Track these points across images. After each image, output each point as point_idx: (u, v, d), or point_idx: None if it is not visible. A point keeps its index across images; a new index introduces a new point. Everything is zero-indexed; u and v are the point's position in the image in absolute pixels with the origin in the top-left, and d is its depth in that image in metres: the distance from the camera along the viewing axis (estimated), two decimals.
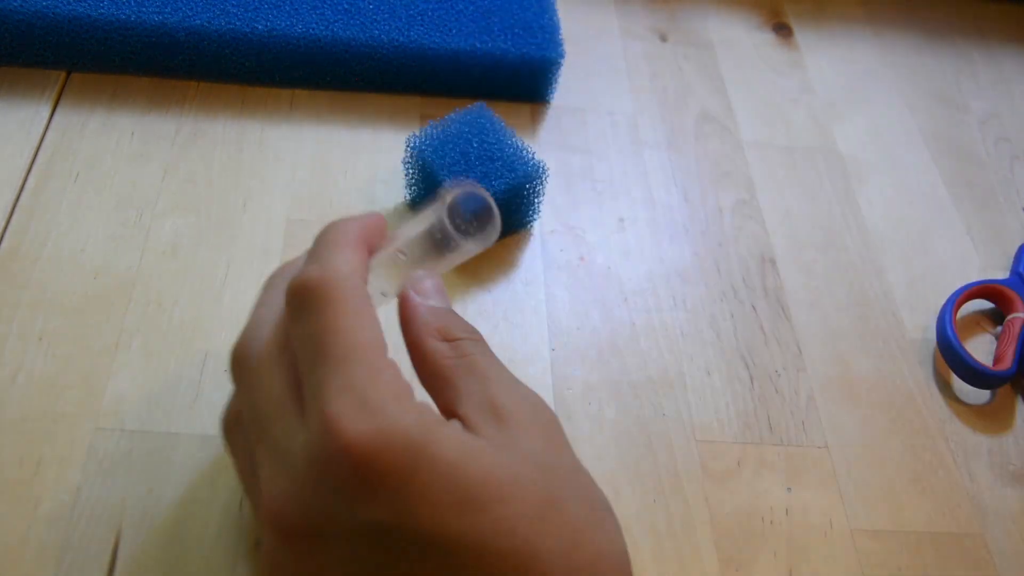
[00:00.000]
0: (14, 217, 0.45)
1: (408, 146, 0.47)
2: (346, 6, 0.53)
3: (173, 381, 0.41)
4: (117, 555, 0.35)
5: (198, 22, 0.51)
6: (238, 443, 0.33)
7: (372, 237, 0.33)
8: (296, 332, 0.29)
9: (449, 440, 0.27)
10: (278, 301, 0.31)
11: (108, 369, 0.41)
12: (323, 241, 0.31)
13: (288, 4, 0.53)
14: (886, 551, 0.41)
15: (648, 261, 0.50)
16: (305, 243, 0.47)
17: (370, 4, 0.54)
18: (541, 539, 0.27)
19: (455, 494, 0.26)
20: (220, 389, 0.41)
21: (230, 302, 0.44)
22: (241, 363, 0.31)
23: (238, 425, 0.33)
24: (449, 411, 0.30)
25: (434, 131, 0.48)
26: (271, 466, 0.28)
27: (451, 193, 0.32)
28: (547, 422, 0.30)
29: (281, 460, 0.28)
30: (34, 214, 0.45)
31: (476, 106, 0.49)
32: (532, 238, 0.50)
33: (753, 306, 0.49)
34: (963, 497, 0.43)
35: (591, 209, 0.52)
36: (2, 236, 0.44)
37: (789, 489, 0.42)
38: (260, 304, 0.33)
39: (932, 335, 0.49)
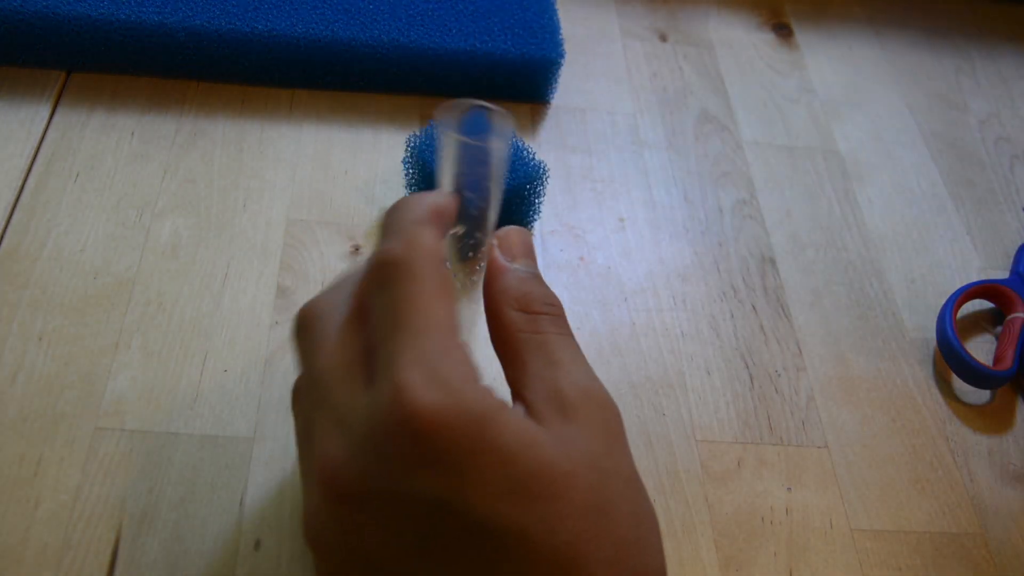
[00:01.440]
0: (14, 217, 0.45)
1: (408, 146, 0.47)
2: (346, 6, 0.53)
3: (173, 381, 0.41)
4: (117, 555, 0.35)
5: (198, 22, 0.51)
6: (300, 409, 0.33)
7: (445, 215, 0.32)
8: (377, 302, 0.29)
9: (510, 425, 0.27)
10: (348, 283, 0.32)
11: (108, 369, 0.41)
12: (402, 216, 0.31)
13: (288, 4, 0.53)
14: (886, 551, 0.41)
15: (648, 261, 0.50)
16: (305, 243, 0.47)
17: (370, 4, 0.54)
18: (585, 544, 0.27)
19: (508, 481, 0.26)
20: (220, 389, 0.41)
21: (230, 302, 0.44)
22: (310, 325, 0.31)
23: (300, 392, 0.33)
24: (515, 388, 0.30)
25: (434, 131, 0.48)
26: (330, 428, 0.28)
27: (447, 118, 0.32)
28: (610, 423, 0.30)
29: (341, 422, 0.28)
30: (34, 214, 0.45)
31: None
32: (532, 238, 0.50)
33: (753, 306, 0.49)
34: (963, 497, 0.43)
35: (591, 209, 0.52)
36: (2, 236, 0.44)
37: (789, 489, 0.42)
38: (333, 283, 0.33)
39: (932, 335, 0.49)
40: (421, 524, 0.27)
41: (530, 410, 0.29)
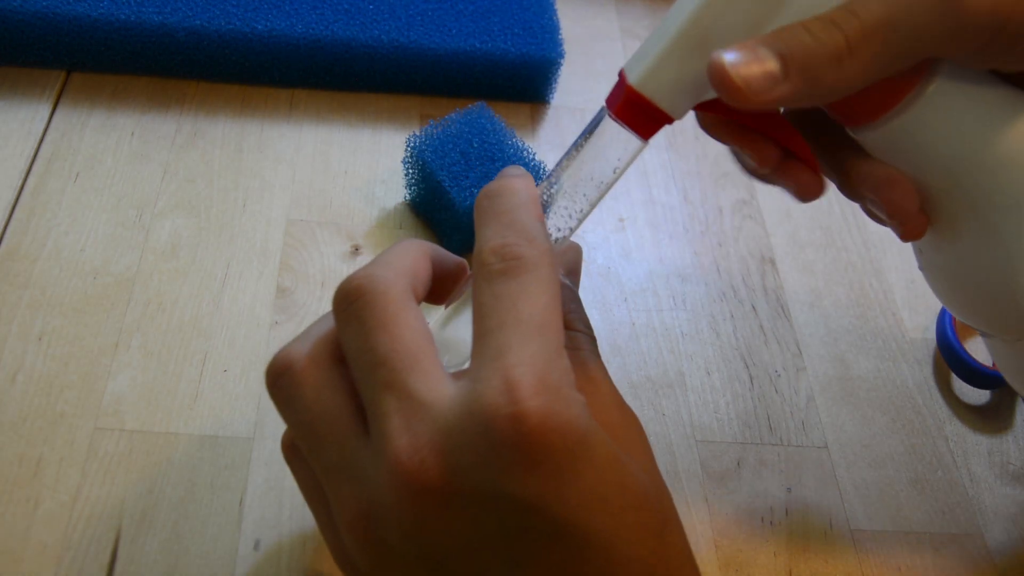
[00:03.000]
0: (14, 217, 0.45)
1: (408, 146, 0.47)
2: (346, 6, 0.53)
3: (173, 381, 0.41)
4: (117, 555, 0.35)
5: (198, 22, 0.51)
6: (337, 383, 0.30)
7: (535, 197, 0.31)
8: (491, 292, 0.28)
9: (604, 438, 0.27)
10: (399, 259, 0.31)
11: (108, 369, 0.41)
12: (516, 208, 0.30)
13: (288, 4, 0.53)
14: (886, 551, 0.41)
15: (648, 261, 0.50)
16: (305, 243, 0.47)
17: (370, 4, 0.54)
18: (658, 558, 0.28)
19: (601, 489, 0.27)
20: (220, 389, 0.41)
21: (230, 302, 0.44)
22: (365, 298, 0.29)
23: (334, 366, 0.31)
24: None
25: (434, 131, 0.48)
26: (408, 418, 0.27)
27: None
28: (645, 442, 0.31)
29: (421, 411, 0.27)
30: (34, 214, 0.45)
31: (476, 106, 0.49)
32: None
33: (753, 306, 0.49)
34: (963, 497, 0.43)
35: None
36: (2, 236, 0.44)
37: (789, 489, 0.42)
38: (388, 262, 0.32)
39: (932, 335, 0.49)
40: (508, 524, 0.27)
41: None
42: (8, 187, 0.46)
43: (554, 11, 0.56)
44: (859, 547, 0.41)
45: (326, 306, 0.45)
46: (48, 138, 0.49)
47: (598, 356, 0.32)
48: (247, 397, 0.41)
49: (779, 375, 0.46)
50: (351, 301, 0.29)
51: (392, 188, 0.50)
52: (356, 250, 0.47)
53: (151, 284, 0.44)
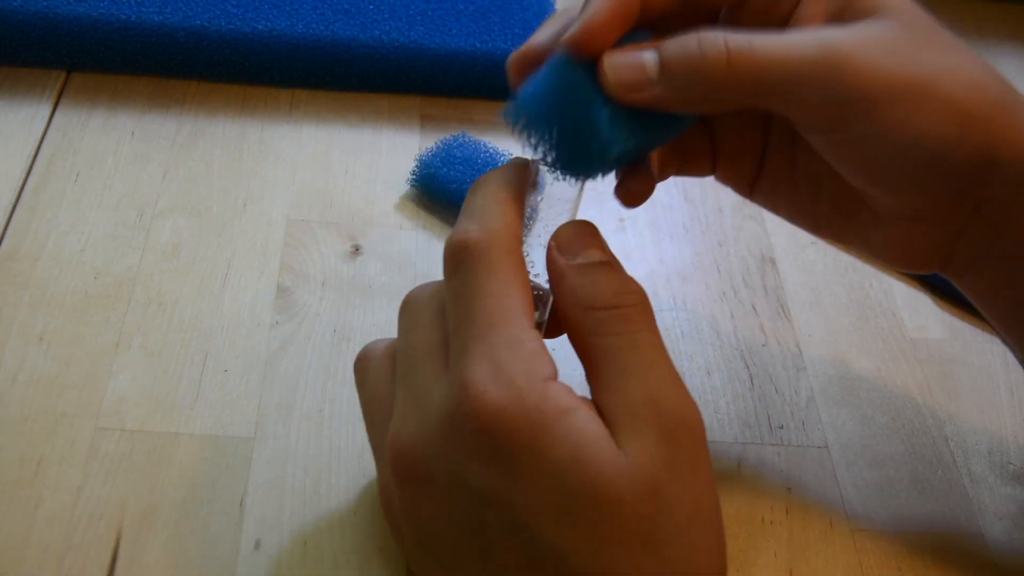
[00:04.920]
0: (14, 217, 0.45)
1: (416, 164, 0.49)
2: (346, 6, 0.53)
3: (173, 381, 0.41)
4: (118, 555, 0.35)
5: (198, 22, 0.51)
6: (379, 377, 0.33)
7: (523, 186, 0.31)
8: (449, 289, 0.29)
9: (569, 435, 0.26)
10: None
11: (108, 369, 0.41)
12: (482, 194, 0.30)
13: (288, 4, 0.53)
14: (886, 551, 0.41)
15: (648, 261, 0.50)
16: (305, 243, 0.47)
17: (370, 4, 0.54)
18: (637, 572, 0.26)
19: (552, 495, 0.26)
20: (220, 389, 0.41)
21: (230, 302, 0.44)
22: (409, 305, 0.32)
23: (374, 361, 0.34)
24: (592, 394, 0.29)
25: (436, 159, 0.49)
26: (406, 407, 0.29)
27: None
28: (682, 442, 0.27)
29: (416, 405, 0.29)
30: (34, 214, 0.45)
31: (460, 135, 0.50)
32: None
33: (753, 306, 0.49)
34: (963, 497, 0.43)
35: (591, 209, 0.52)
36: (2, 236, 0.44)
37: (789, 489, 0.42)
38: None
39: (932, 335, 0.49)
40: (475, 515, 0.27)
41: (601, 416, 0.27)
42: (8, 187, 0.46)
43: (554, 11, 0.56)
44: (859, 547, 0.41)
45: (326, 306, 0.45)
46: (48, 138, 0.49)
47: (641, 331, 0.28)
48: (248, 397, 0.41)
49: (779, 375, 0.46)
50: (401, 309, 0.32)
51: (392, 188, 0.50)
52: (356, 250, 0.47)
53: (152, 284, 0.44)
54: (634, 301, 0.29)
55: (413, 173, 0.49)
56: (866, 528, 0.41)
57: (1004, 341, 0.37)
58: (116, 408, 0.39)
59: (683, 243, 0.51)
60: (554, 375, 0.27)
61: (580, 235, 0.30)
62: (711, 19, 0.34)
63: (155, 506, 0.37)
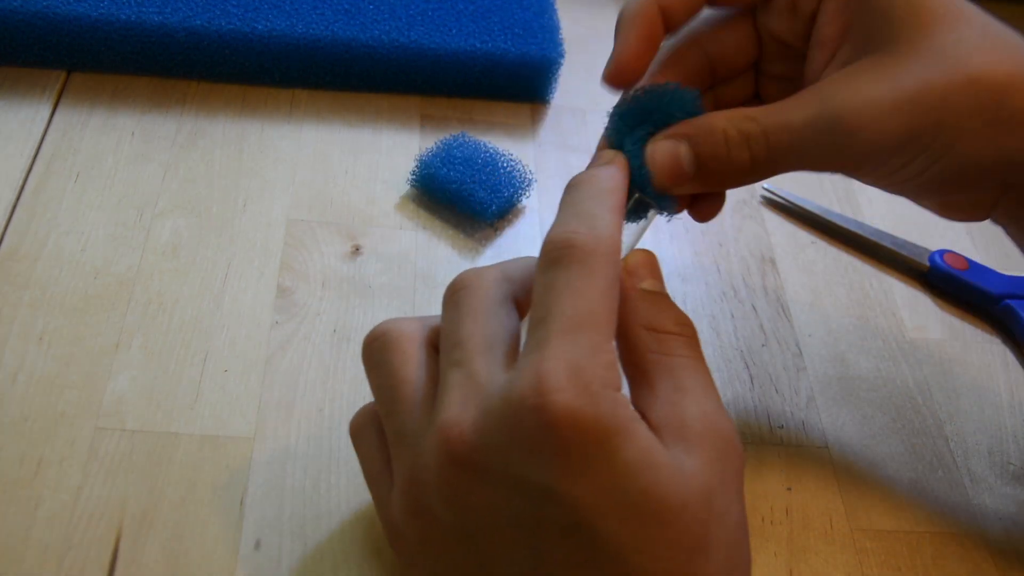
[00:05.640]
0: (14, 217, 0.45)
1: (416, 163, 0.49)
2: (346, 6, 0.53)
3: (173, 381, 0.41)
4: (117, 555, 0.35)
5: (198, 22, 0.51)
6: (424, 361, 0.32)
7: (625, 198, 0.33)
8: (541, 280, 0.29)
9: (637, 442, 0.26)
10: (512, 265, 0.33)
11: (108, 369, 0.41)
12: (589, 197, 0.31)
13: (288, 4, 0.53)
14: (886, 551, 0.41)
15: None
16: (305, 243, 0.47)
17: (370, 4, 0.54)
18: None
19: (620, 494, 0.26)
20: (220, 389, 0.41)
21: (230, 302, 0.44)
22: (465, 290, 0.31)
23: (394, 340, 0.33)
24: (641, 410, 0.29)
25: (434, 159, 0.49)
26: (462, 393, 0.28)
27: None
28: (731, 460, 0.29)
29: (476, 393, 0.28)
30: (34, 214, 0.45)
31: (460, 135, 0.51)
32: (533, 238, 0.50)
33: (753, 306, 0.49)
34: (963, 497, 0.43)
35: None
36: (2, 236, 0.44)
37: (789, 489, 0.42)
38: (497, 264, 0.33)
39: (932, 335, 0.49)
40: (529, 509, 0.27)
41: (652, 430, 0.28)
42: (9, 187, 0.46)
43: (554, 11, 0.56)
44: (859, 547, 0.41)
45: (327, 306, 0.45)
46: (48, 138, 0.49)
47: (696, 358, 0.31)
48: (248, 397, 0.41)
49: (779, 375, 0.46)
50: (455, 290, 0.32)
51: (392, 188, 0.50)
52: (356, 250, 0.47)
53: (152, 284, 0.44)
54: (692, 333, 0.31)
55: (413, 173, 0.50)
56: (866, 528, 0.41)
57: (1008, 335, 0.39)
58: (116, 408, 0.39)
59: (683, 243, 0.51)
60: (620, 388, 0.28)
61: (647, 264, 0.32)
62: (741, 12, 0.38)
63: (155, 506, 0.37)
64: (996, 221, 0.37)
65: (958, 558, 0.41)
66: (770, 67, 0.38)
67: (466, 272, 0.32)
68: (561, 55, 0.54)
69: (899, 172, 0.33)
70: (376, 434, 0.34)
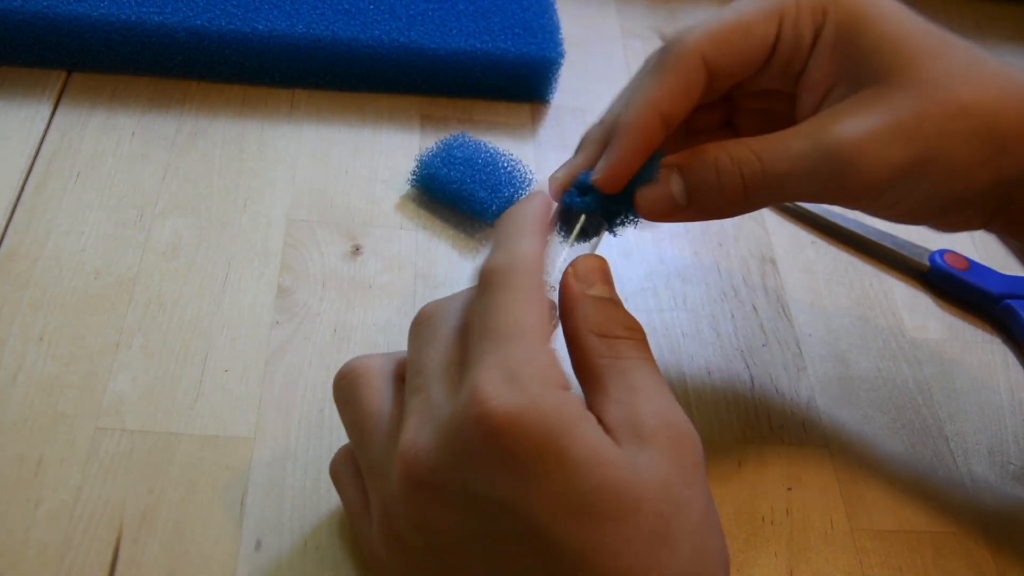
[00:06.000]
0: (14, 217, 0.45)
1: (417, 163, 0.49)
2: (346, 6, 0.53)
3: (173, 381, 0.41)
4: (118, 555, 0.35)
5: (198, 22, 0.51)
6: (392, 395, 0.33)
7: (546, 221, 0.33)
8: (473, 308, 0.30)
9: (585, 439, 0.27)
10: (467, 292, 0.33)
11: (108, 369, 0.41)
12: (509, 227, 0.32)
13: (288, 4, 0.53)
14: (886, 551, 0.41)
15: (648, 261, 0.50)
16: (305, 243, 0.47)
17: (370, 4, 0.54)
18: (646, 573, 0.27)
19: (574, 496, 0.26)
20: (220, 389, 0.41)
21: (230, 302, 0.44)
22: (425, 320, 0.32)
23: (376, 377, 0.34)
24: (595, 412, 0.30)
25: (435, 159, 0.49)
26: (420, 418, 0.29)
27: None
28: (688, 453, 0.29)
29: (430, 415, 0.29)
30: (34, 214, 0.45)
31: (460, 135, 0.50)
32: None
33: (753, 306, 0.49)
34: (963, 497, 0.43)
35: None
36: (2, 236, 0.44)
37: (789, 489, 0.42)
38: (460, 292, 0.34)
39: (932, 335, 0.49)
40: (486, 523, 0.27)
41: (607, 431, 0.29)
42: (9, 187, 0.46)
43: (554, 11, 0.56)
44: (859, 547, 0.41)
45: (326, 306, 0.45)
46: (49, 138, 0.49)
47: (646, 361, 0.31)
48: (248, 397, 0.41)
49: (779, 375, 0.46)
50: (419, 322, 0.33)
51: (392, 188, 0.50)
52: (356, 250, 0.47)
53: (152, 284, 0.44)
54: (641, 337, 0.32)
55: (413, 173, 0.50)
56: (866, 528, 0.41)
57: (1008, 335, 0.39)
58: (116, 408, 0.39)
59: (683, 243, 0.51)
60: (567, 387, 0.28)
61: (596, 270, 0.33)
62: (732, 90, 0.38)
63: (155, 506, 0.37)
64: (990, 230, 0.38)
65: (958, 558, 0.41)
66: (745, 100, 0.39)
67: (430, 304, 0.33)
68: (561, 55, 0.54)
69: (900, 203, 0.34)
70: (353, 472, 0.34)
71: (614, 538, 0.26)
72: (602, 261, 0.34)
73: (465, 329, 0.31)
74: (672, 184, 0.34)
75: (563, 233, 0.35)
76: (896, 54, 0.34)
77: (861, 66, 0.34)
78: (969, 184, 0.33)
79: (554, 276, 0.34)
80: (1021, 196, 0.34)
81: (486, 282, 0.30)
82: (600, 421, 0.29)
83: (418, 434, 0.29)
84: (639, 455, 0.28)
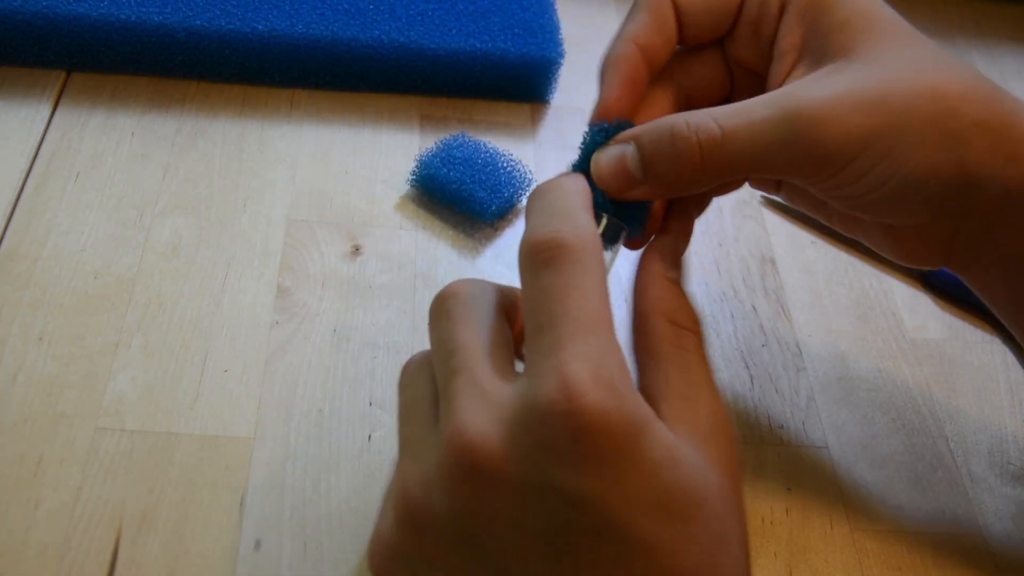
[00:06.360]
0: (14, 217, 0.45)
1: (416, 163, 0.49)
2: (346, 6, 0.53)
3: (173, 381, 0.41)
4: (117, 555, 0.35)
5: (198, 22, 0.51)
6: (417, 379, 0.32)
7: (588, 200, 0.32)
8: (535, 286, 0.28)
9: (662, 439, 0.27)
10: (486, 282, 0.32)
11: (108, 369, 0.41)
12: (561, 199, 0.30)
13: (288, 4, 0.53)
14: (886, 551, 0.41)
15: None
16: (305, 243, 0.47)
17: (370, 4, 0.54)
18: (707, 570, 0.27)
19: (650, 493, 0.26)
20: (220, 389, 0.41)
21: (230, 302, 0.44)
22: (453, 298, 0.31)
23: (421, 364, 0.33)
24: (648, 394, 0.30)
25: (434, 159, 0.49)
26: (471, 401, 0.28)
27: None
28: (735, 458, 0.30)
29: (486, 399, 0.28)
30: (34, 214, 0.45)
31: (460, 135, 0.51)
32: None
33: (753, 306, 0.49)
34: (963, 497, 0.43)
35: None
36: (2, 236, 0.44)
37: (789, 489, 0.42)
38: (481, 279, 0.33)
39: (932, 335, 0.49)
40: (554, 516, 0.27)
41: (665, 422, 0.28)
42: (8, 187, 0.46)
43: (554, 11, 0.56)
44: (859, 547, 0.41)
45: (326, 306, 0.45)
46: (48, 138, 0.49)
47: (703, 357, 0.31)
48: (248, 397, 0.41)
49: (779, 375, 0.46)
50: (445, 299, 0.31)
51: (392, 188, 0.50)
52: (356, 250, 0.47)
53: (152, 284, 0.44)
54: (701, 333, 0.32)
55: (413, 173, 0.50)
56: (866, 528, 0.41)
57: (1008, 335, 0.38)
58: (116, 408, 0.39)
59: None
60: (632, 383, 0.28)
61: (679, 253, 0.33)
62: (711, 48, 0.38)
63: (155, 506, 0.37)
64: (952, 269, 0.38)
65: (958, 558, 0.41)
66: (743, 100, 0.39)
67: (455, 282, 0.32)
68: (561, 55, 0.54)
69: (861, 180, 0.33)
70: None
71: (683, 536, 0.26)
72: (685, 244, 0.34)
73: (508, 311, 0.30)
74: (627, 152, 0.33)
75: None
76: (865, 31, 0.33)
77: (828, 39, 0.34)
78: (931, 170, 0.32)
79: None
80: (982, 207, 0.34)
81: (552, 256, 0.28)
82: (657, 408, 0.29)
83: (473, 419, 0.27)
84: (699, 455, 0.28)
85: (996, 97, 0.33)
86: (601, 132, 0.34)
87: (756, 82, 0.38)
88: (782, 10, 0.35)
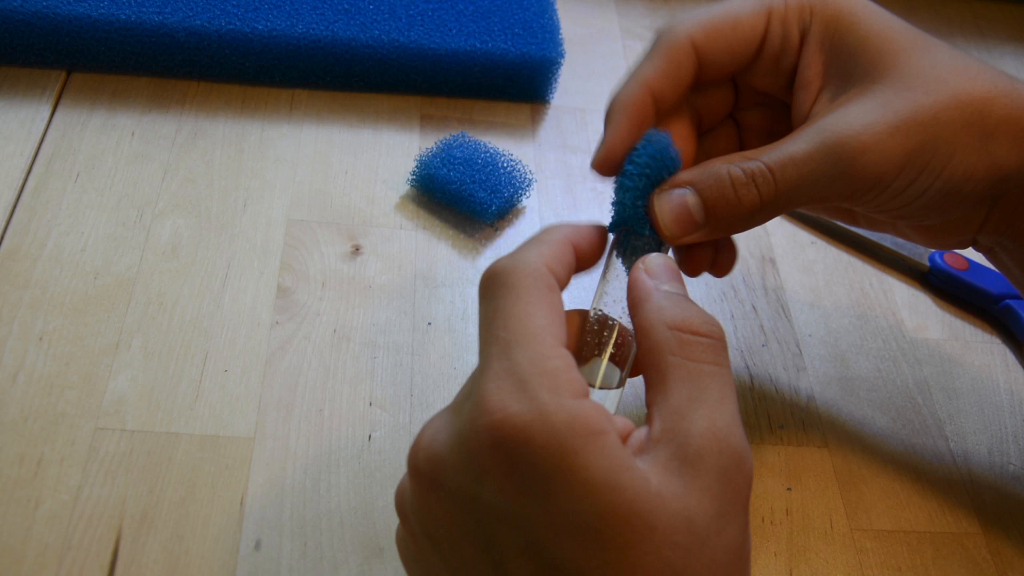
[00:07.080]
0: (14, 217, 0.45)
1: (416, 163, 0.49)
2: (346, 6, 0.53)
3: (173, 381, 0.41)
4: (117, 555, 0.35)
5: (198, 22, 0.51)
6: None
7: (582, 240, 0.33)
8: (479, 315, 0.30)
9: (600, 458, 0.25)
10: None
11: (108, 369, 0.41)
12: (528, 240, 0.32)
13: (288, 4, 0.53)
14: (886, 551, 0.41)
15: None
16: (305, 243, 0.47)
17: (370, 4, 0.54)
18: None
19: (577, 516, 0.25)
20: (220, 389, 0.41)
21: (230, 302, 0.44)
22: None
23: None
24: (650, 412, 0.28)
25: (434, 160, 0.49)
26: (440, 416, 0.29)
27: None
28: (734, 481, 0.27)
29: (446, 413, 0.29)
30: (34, 214, 0.45)
31: (460, 135, 0.51)
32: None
33: (753, 306, 0.49)
34: (963, 497, 0.43)
35: (592, 209, 0.52)
36: (2, 236, 0.44)
37: (789, 489, 0.42)
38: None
39: (932, 335, 0.49)
40: (484, 529, 0.27)
41: (650, 437, 0.27)
42: (9, 187, 0.46)
43: (554, 11, 0.56)
44: (859, 547, 0.41)
45: (327, 306, 0.45)
46: (48, 138, 0.49)
47: (719, 367, 0.29)
48: (247, 397, 0.41)
49: (779, 375, 0.46)
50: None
51: (392, 188, 0.50)
52: (356, 250, 0.47)
53: (152, 284, 0.44)
54: (720, 338, 0.29)
55: (413, 173, 0.50)
56: (866, 528, 0.41)
57: (1009, 335, 0.39)
58: (116, 408, 0.39)
59: None
60: (584, 393, 0.27)
61: (669, 268, 0.32)
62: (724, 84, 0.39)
63: (155, 506, 0.37)
64: (978, 249, 0.39)
65: (958, 558, 0.41)
66: (749, 118, 0.40)
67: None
68: (561, 55, 0.54)
69: (902, 194, 0.34)
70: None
71: (618, 565, 0.25)
72: (669, 260, 0.33)
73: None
74: (688, 200, 0.34)
75: (619, 257, 0.35)
76: (882, 50, 0.34)
77: (850, 63, 0.35)
78: (968, 172, 0.34)
79: (606, 303, 0.34)
80: (1012, 194, 0.35)
81: (486, 286, 0.30)
82: (651, 423, 0.28)
83: (430, 428, 0.29)
84: (671, 478, 0.26)
85: (1016, 90, 0.34)
86: (643, 178, 0.35)
87: (763, 99, 0.39)
88: (803, 41, 0.36)
